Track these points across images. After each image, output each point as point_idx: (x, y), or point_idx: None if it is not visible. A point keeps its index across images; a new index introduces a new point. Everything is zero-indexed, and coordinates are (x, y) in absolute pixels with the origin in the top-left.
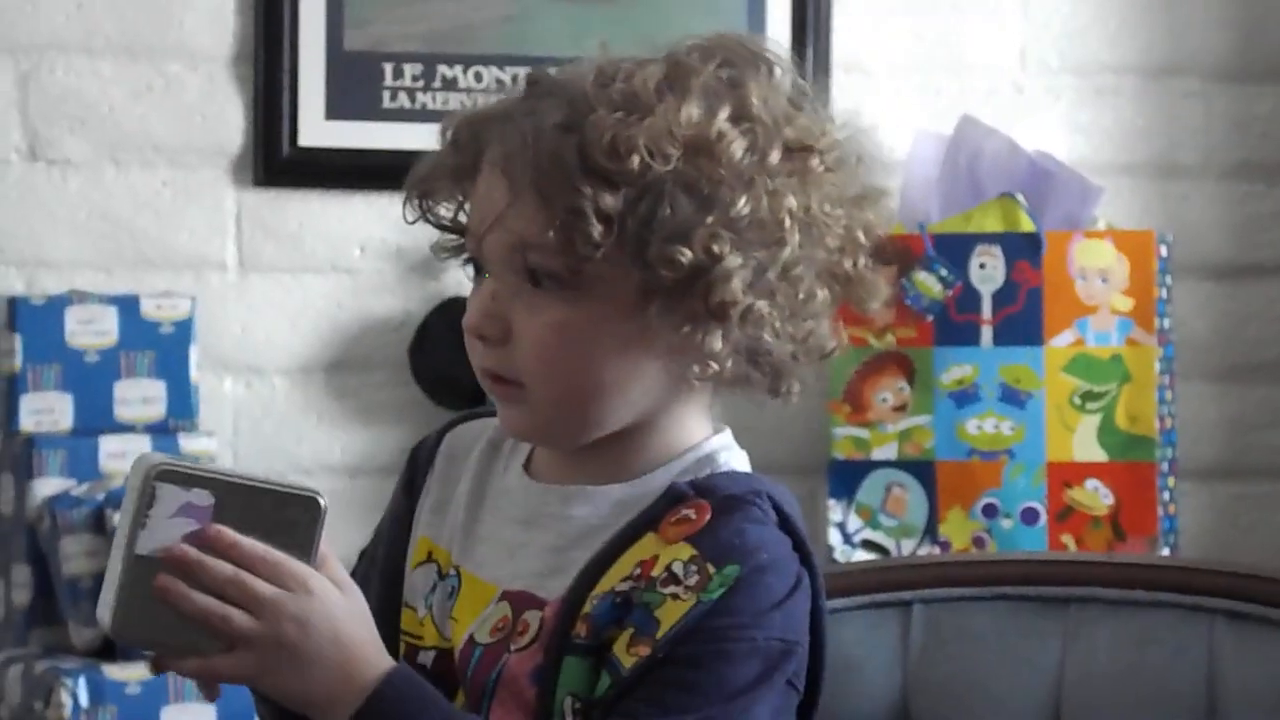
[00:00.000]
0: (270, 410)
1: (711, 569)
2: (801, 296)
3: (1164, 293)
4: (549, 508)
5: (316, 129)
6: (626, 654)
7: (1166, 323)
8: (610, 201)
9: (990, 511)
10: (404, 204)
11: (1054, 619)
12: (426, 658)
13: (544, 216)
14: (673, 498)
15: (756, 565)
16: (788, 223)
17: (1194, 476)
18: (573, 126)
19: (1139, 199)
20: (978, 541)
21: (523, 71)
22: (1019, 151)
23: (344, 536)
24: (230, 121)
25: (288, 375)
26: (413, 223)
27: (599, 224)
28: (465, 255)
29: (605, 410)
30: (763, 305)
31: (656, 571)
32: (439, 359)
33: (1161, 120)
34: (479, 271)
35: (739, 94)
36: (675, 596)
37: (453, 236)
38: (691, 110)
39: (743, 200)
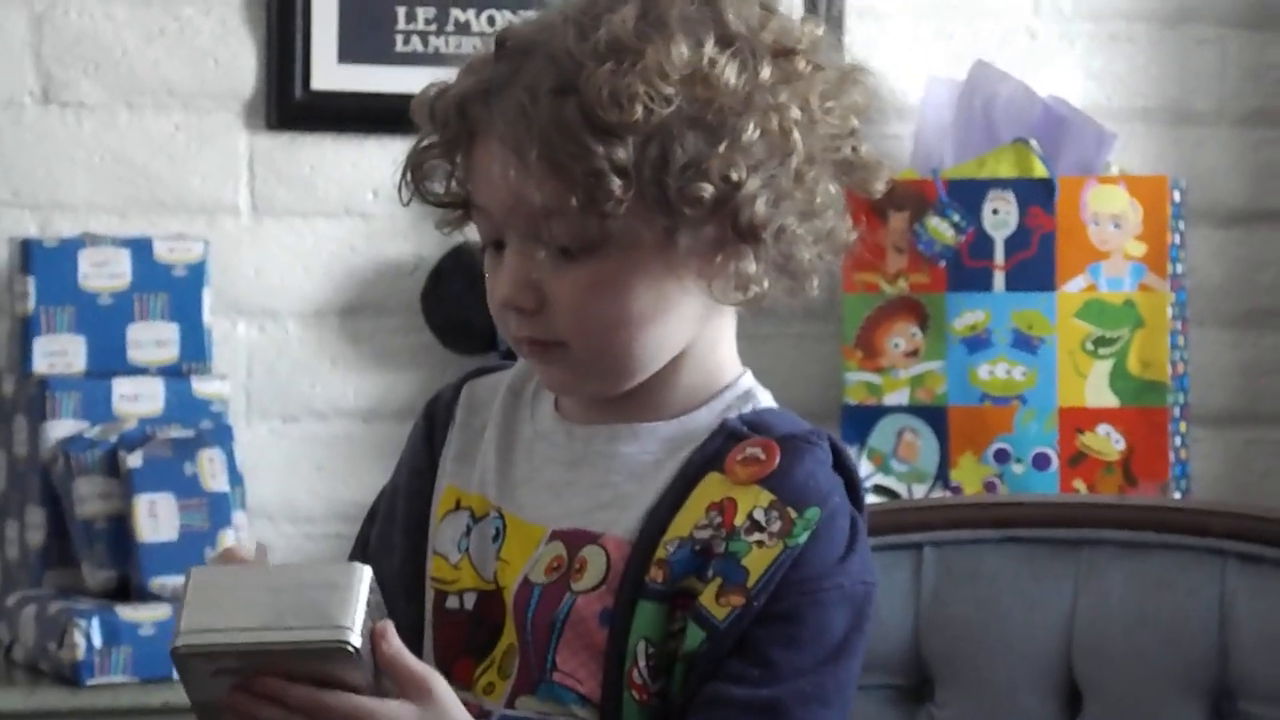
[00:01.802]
0: (284, 354)
1: (793, 513)
2: (818, 198)
3: (1177, 238)
4: (595, 446)
5: (329, 72)
6: (717, 605)
7: (1179, 268)
8: (623, 154)
9: (1002, 457)
10: (398, 189)
11: (1066, 561)
12: (464, 600)
13: (562, 184)
14: (729, 434)
15: (832, 509)
16: (793, 132)
17: (1206, 422)
18: (567, 88)
19: (1153, 145)
20: (989, 486)
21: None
22: (1033, 97)
23: (358, 479)
24: (243, 65)
25: (301, 319)
26: (407, 204)
27: (618, 179)
28: (479, 232)
29: (648, 353)
30: (789, 218)
31: (739, 520)
32: (452, 303)
33: (1175, 66)
34: (496, 245)
35: (716, 15)
36: (761, 544)
37: (454, 210)
38: (680, 47)
39: (749, 123)
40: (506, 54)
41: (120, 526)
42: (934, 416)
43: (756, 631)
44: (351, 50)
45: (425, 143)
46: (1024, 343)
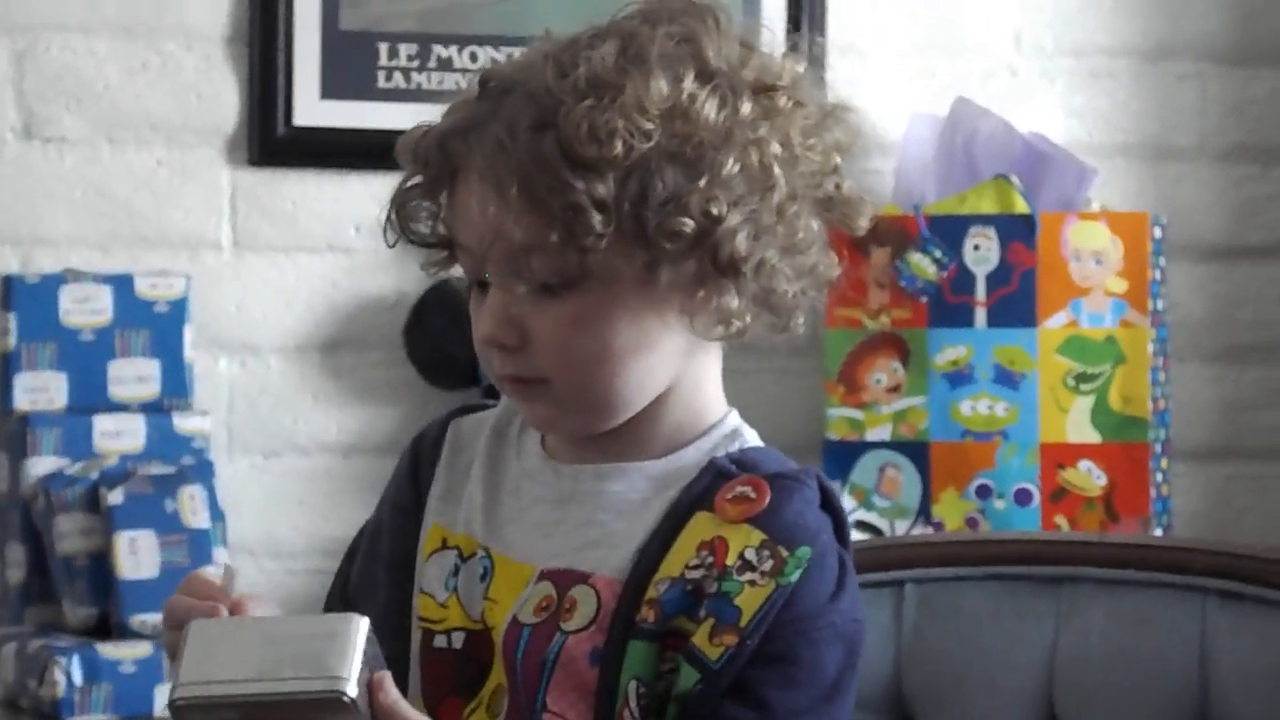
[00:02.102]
0: (265, 389)
1: (784, 552)
2: (800, 234)
3: (1158, 274)
4: (582, 485)
5: (312, 108)
6: (710, 644)
7: (1160, 304)
8: (602, 189)
9: (984, 492)
10: (383, 230)
11: (1047, 598)
12: (452, 639)
13: (541, 219)
14: (717, 473)
15: (822, 548)
16: (774, 167)
17: (1187, 458)
18: (546, 123)
19: (1133, 181)
20: (971, 522)
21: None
22: (1014, 133)
23: (340, 514)
24: (226, 101)
25: (283, 354)
26: (393, 245)
27: (598, 214)
28: (463, 270)
29: (630, 389)
30: (770, 253)
31: (730, 560)
32: (434, 338)
33: (1156, 103)
34: (480, 285)
35: (696, 52)
36: (753, 583)
37: (439, 250)
38: (659, 82)
39: (729, 158)
40: (488, 93)
41: (101, 563)
42: (916, 452)
43: (751, 673)
44: (334, 86)
45: (410, 183)
46: (1005, 378)
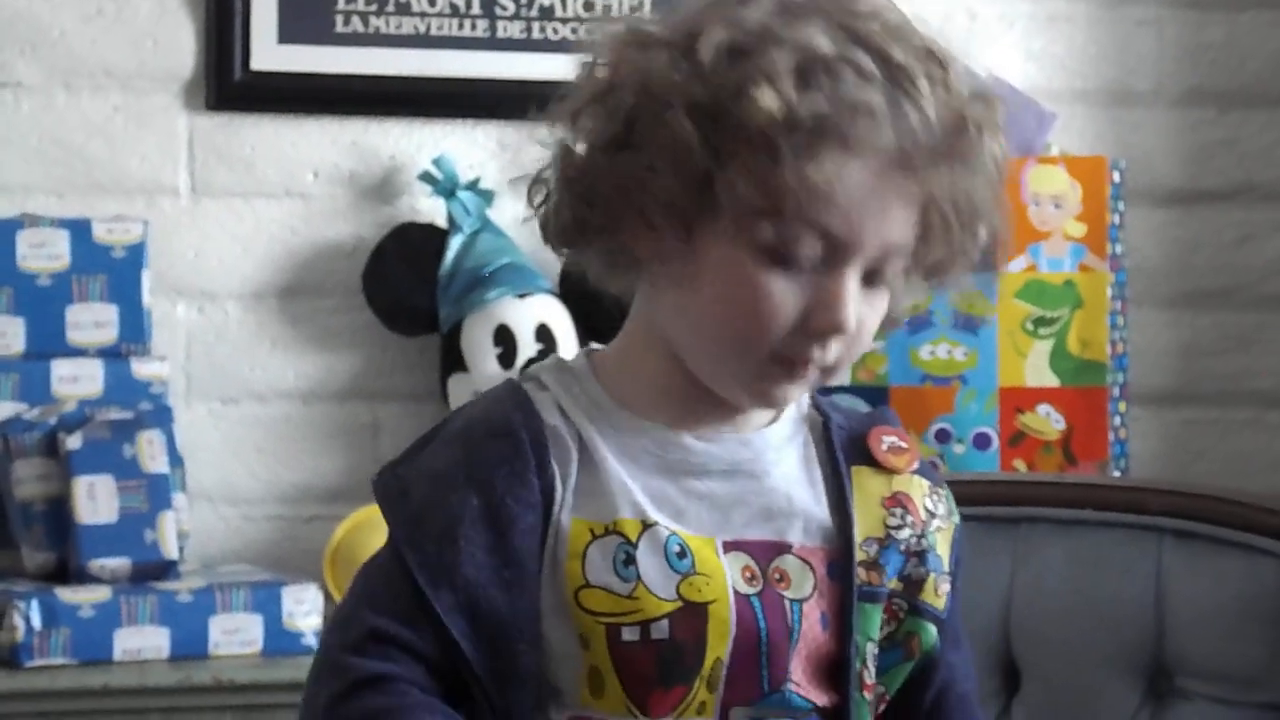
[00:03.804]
0: (223, 335)
1: (943, 492)
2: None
3: (1116, 219)
4: (739, 454)
5: (269, 53)
6: (936, 596)
7: (1119, 249)
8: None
9: (943, 437)
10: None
11: (1004, 539)
12: (650, 630)
13: (914, 218)
14: (825, 423)
15: None
16: None
17: (1145, 402)
18: (961, 127)
19: (1092, 126)
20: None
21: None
22: (972, 77)
23: (298, 461)
24: (182, 46)
25: (241, 300)
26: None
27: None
28: (792, 244)
29: None
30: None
31: (922, 514)
32: (392, 284)
33: (1114, 47)
34: (783, 262)
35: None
36: (940, 529)
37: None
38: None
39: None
40: (890, 74)
41: (59, 508)
42: (876, 397)
43: (952, 604)
44: (291, 31)
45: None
46: (964, 323)
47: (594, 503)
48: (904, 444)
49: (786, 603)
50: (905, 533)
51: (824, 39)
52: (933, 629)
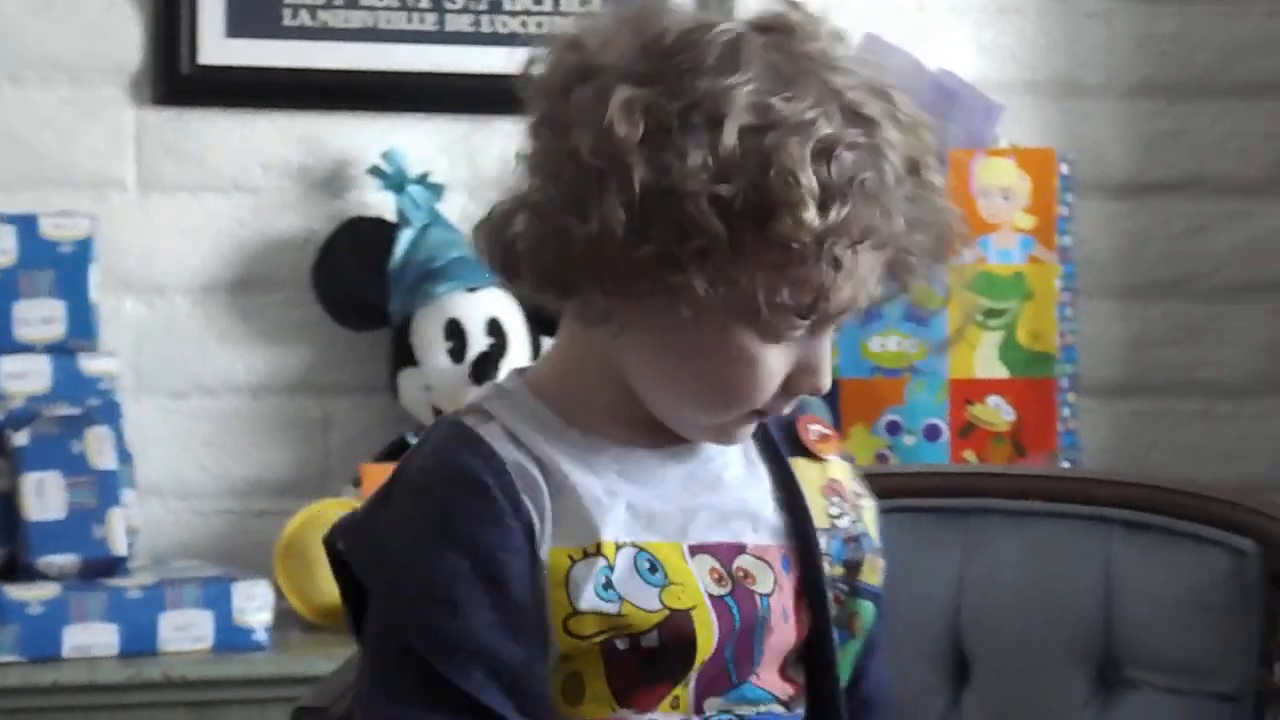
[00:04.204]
0: (172, 330)
1: (857, 473)
2: None
3: (1065, 210)
4: (692, 464)
5: (217, 47)
6: (874, 575)
7: (1068, 240)
8: None
9: (893, 428)
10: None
11: (954, 531)
12: (642, 640)
13: (884, 269)
14: (772, 421)
15: None
16: None
17: (1094, 393)
18: (915, 168)
19: (1041, 117)
20: (881, 458)
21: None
22: (923, 70)
23: (248, 455)
24: (130, 39)
25: (189, 294)
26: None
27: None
28: (784, 331)
29: None
30: None
31: (851, 497)
32: (342, 278)
33: (1064, 39)
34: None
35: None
36: (866, 508)
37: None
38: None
39: None
40: (870, 135)
41: (7, 505)
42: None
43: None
44: (239, 24)
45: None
46: (914, 315)
47: (570, 528)
48: (828, 430)
49: (757, 598)
50: (845, 520)
51: (822, 117)
52: (872, 606)
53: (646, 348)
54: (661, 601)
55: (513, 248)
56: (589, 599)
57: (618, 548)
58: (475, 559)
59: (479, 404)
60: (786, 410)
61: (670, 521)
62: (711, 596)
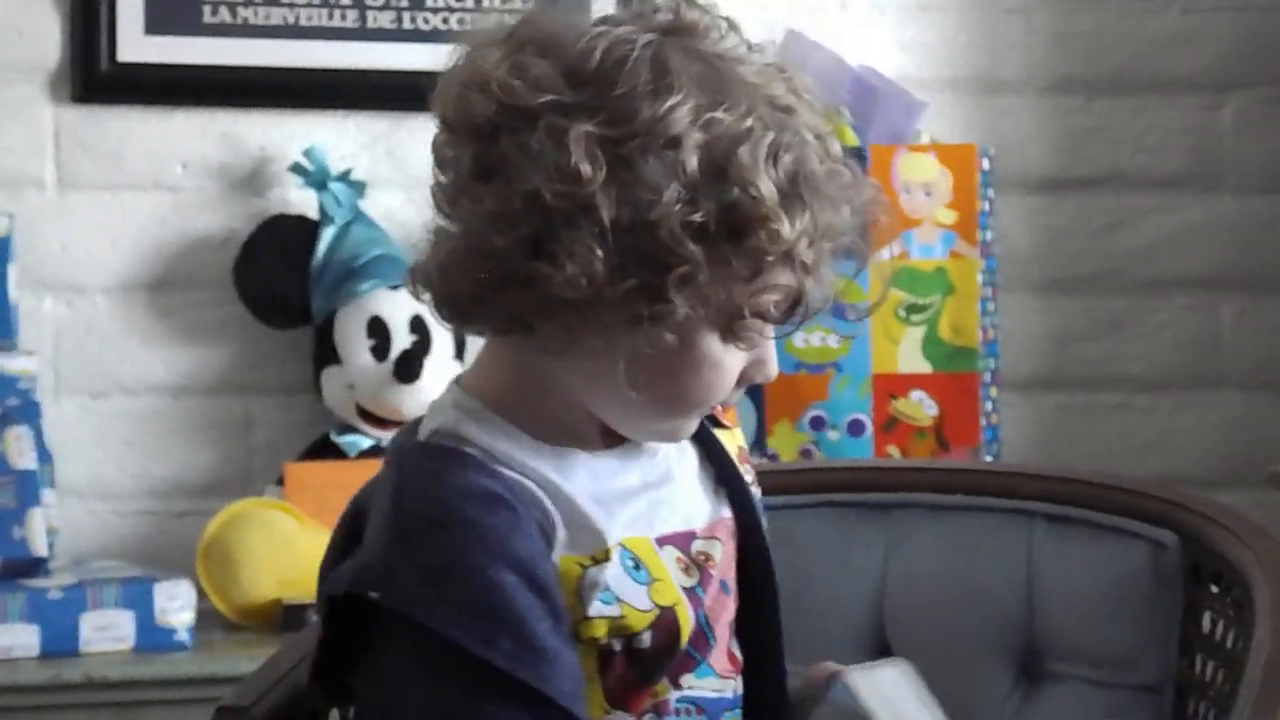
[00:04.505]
0: (92, 329)
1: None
2: None
3: (986, 206)
4: (647, 463)
5: (136, 44)
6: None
7: (989, 235)
8: None
9: (818, 424)
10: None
11: (877, 524)
12: (635, 640)
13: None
14: None
15: None
16: None
17: (1016, 387)
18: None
19: (962, 113)
20: (805, 453)
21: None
22: (844, 67)
23: (169, 455)
24: (48, 37)
25: (109, 294)
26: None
27: None
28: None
29: None
30: None
31: (749, 462)
32: (264, 276)
33: (984, 36)
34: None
35: None
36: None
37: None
38: None
39: None
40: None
41: None
42: (752, 385)
43: None
44: (158, 21)
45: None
46: (838, 310)
47: (578, 536)
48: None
49: (717, 581)
50: (755, 489)
51: (755, 120)
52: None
53: (606, 367)
54: (651, 600)
55: (473, 297)
56: (596, 604)
57: (612, 549)
58: (521, 570)
59: (450, 428)
60: (735, 401)
61: (639, 519)
62: (685, 589)
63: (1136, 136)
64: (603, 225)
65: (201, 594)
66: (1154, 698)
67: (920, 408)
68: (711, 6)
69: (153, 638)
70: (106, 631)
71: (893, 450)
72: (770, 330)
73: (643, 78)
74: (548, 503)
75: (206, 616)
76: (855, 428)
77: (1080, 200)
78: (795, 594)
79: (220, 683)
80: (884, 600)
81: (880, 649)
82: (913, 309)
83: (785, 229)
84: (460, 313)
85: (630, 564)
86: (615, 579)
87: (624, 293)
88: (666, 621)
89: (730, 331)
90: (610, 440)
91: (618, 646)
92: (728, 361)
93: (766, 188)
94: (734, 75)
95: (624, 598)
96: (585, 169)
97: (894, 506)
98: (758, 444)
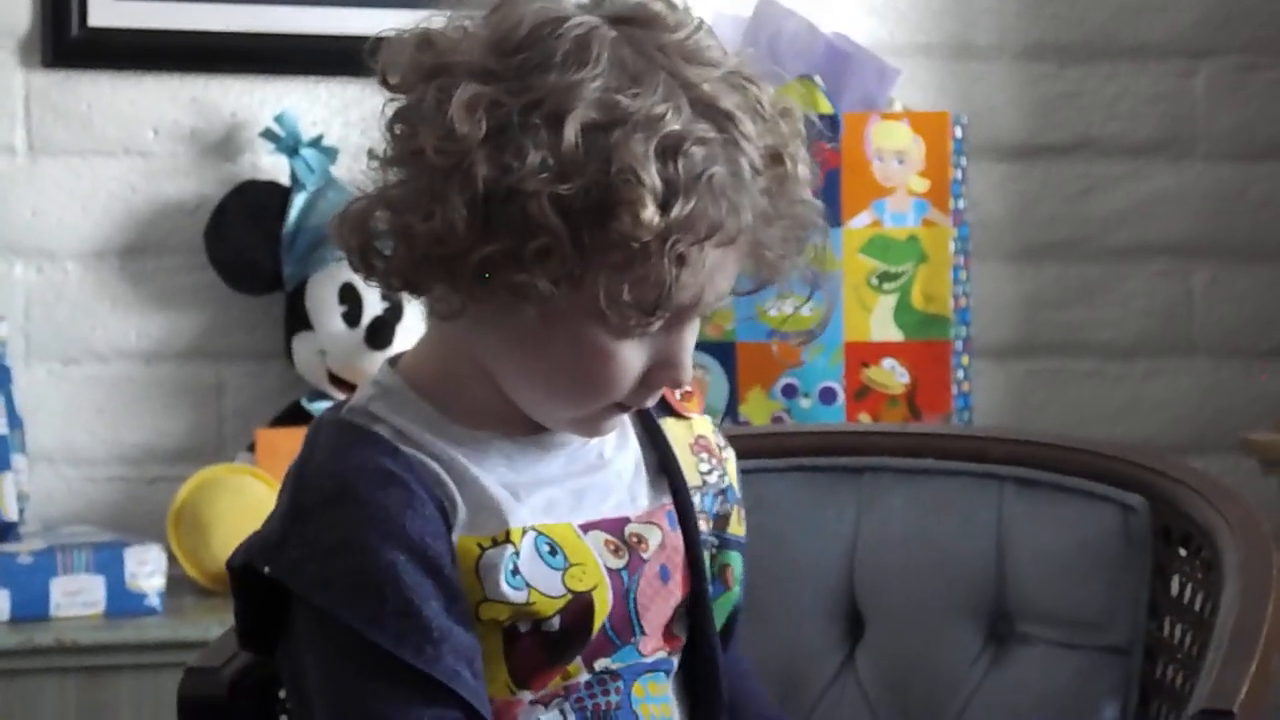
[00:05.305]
0: (63, 295)
1: (715, 423)
2: None
3: (959, 173)
4: (574, 448)
5: (106, 9)
6: (739, 526)
7: (961, 203)
8: None
9: (790, 392)
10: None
11: (848, 488)
12: (544, 624)
13: (746, 261)
14: None
15: None
16: None
17: (988, 354)
18: (775, 161)
19: (934, 80)
20: (777, 421)
21: None
22: (817, 34)
23: (139, 421)
24: (18, 2)
25: (80, 260)
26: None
27: None
28: (637, 327)
29: None
30: None
31: (715, 451)
32: (235, 242)
33: (956, 2)
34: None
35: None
36: (728, 459)
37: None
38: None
39: None
40: (722, 128)
41: None
42: (723, 352)
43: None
44: None
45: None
46: (810, 278)
47: (478, 518)
48: (690, 387)
49: (654, 566)
50: (714, 476)
51: (671, 112)
52: (739, 557)
53: (501, 343)
54: (565, 585)
55: (369, 243)
56: (500, 586)
57: (523, 534)
58: (411, 549)
59: (362, 405)
60: (650, 403)
61: (561, 504)
62: (610, 570)
63: (1109, 103)
64: (473, 186)
65: (172, 559)
66: (1123, 659)
67: (892, 375)
68: (685, 6)
69: (123, 602)
70: (77, 596)
71: (865, 418)
72: (645, 322)
73: (559, 53)
74: (450, 484)
75: (177, 582)
76: (827, 396)
77: (1052, 167)
78: (767, 557)
79: (191, 647)
80: (854, 563)
81: (852, 613)
82: (885, 277)
83: (653, 217)
84: (362, 259)
85: (545, 549)
86: (527, 564)
87: (485, 257)
88: (580, 606)
89: (604, 320)
90: (537, 429)
91: (524, 628)
92: (619, 354)
93: (648, 176)
94: (668, 67)
95: (534, 583)
96: (462, 128)
97: (865, 470)
98: (729, 412)
